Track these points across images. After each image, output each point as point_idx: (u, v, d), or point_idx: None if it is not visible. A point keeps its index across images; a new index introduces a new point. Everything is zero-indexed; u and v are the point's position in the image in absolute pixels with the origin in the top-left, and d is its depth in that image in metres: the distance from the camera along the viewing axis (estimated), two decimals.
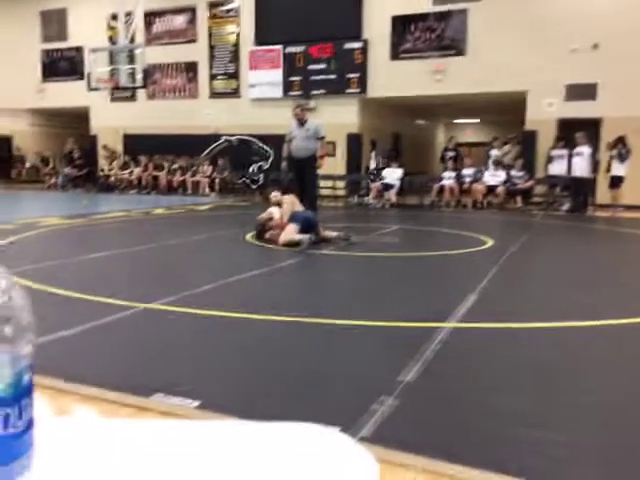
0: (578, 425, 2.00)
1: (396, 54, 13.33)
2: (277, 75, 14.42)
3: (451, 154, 13.02)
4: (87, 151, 16.88)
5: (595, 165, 10.67)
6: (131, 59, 13.33)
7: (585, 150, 10.62)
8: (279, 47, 14.31)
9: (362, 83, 13.61)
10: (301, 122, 8.10)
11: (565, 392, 2.30)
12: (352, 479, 0.45)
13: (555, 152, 11.39)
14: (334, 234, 6.20)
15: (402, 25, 13.16)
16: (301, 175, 8.16)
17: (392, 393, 2.12)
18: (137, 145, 15.89)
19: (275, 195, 6.66)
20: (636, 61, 11.23)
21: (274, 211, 6.31)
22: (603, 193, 11.04)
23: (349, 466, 0.46)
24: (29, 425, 0.38)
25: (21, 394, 0.37)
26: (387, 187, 12.12)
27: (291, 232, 5.84)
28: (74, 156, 16.60)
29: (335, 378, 2.37)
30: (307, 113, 8.46)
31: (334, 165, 12.42)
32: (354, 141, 13.78)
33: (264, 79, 14.57)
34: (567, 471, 1.70)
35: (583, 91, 11.76)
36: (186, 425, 0.63)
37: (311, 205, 7.44)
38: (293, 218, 6.03)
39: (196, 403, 2.04)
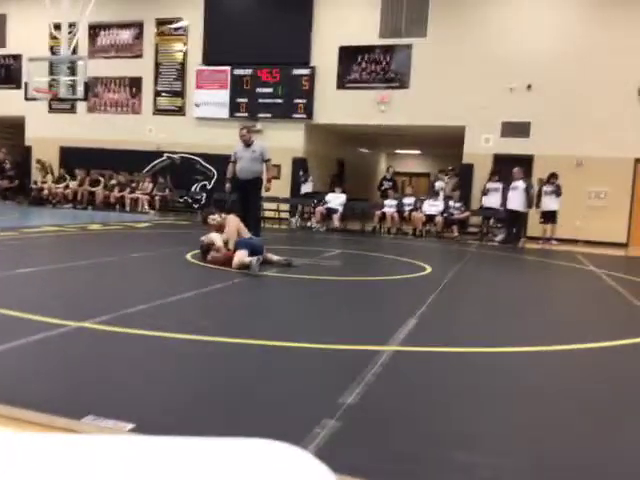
0: (511, 447, 2.04)
1: (342, 83, 13.62)
2: (224, 95, 14.39)
3: (388, 185, 13.30)
4: (20, 162, 16.16)
5: (530, 199, 11.20)
6: (72, 70, 12.94)
7: (520, 185, 11.14)
8: (227, 68, 14.31)
9: (308, 109, 13.79)
10: (247, 144, 8.09)
11: (499, 415, 2.35)
12: None
13: (490, 185, 11.89)
14: (275, 258, 6.13)
15: (349, 56, 13.50)
16: (245, 196, 8.11)
17: (334, 416, 2.10)
18: (75, 158, 15.37)
19: (214, 219, 6.22)
20: (565, 103, 11.98)
21: (216, 238, 5.94)
22: (534, 226, 11.59)
23: (308, 478, 0.44)
24: None
25: None
26: (331, 211, 12.26)
27: (243, 255, 5.71)
28: (5, 167, 15.85)
29: (275, 400, 2.33)
30: (253, 135, 8.46)
31: (279, 188, 12.45)
32: (299, 165, 13.89)
33: (210, 99, 14.50)
34: None
35: (517, 129, 12.41)
36: (128, 440, 0.58)
37: (254, 227, 7.38)
38: (239, 246, 5.87)
39: (130, 425, 1.94)
